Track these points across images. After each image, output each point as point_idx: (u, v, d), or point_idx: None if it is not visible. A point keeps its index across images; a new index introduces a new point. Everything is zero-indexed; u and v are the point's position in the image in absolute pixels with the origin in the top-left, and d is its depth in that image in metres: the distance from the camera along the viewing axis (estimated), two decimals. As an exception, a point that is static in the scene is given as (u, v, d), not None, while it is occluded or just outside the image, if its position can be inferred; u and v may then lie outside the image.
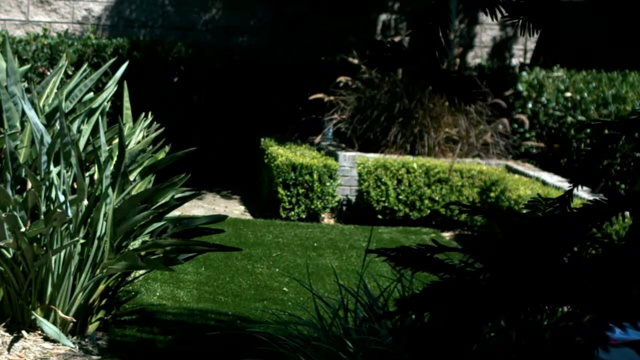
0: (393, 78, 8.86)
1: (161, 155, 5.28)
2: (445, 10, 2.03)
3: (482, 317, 1.91)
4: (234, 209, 8.47)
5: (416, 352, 1.91)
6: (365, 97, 8.82)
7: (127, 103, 5.37)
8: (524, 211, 2.32)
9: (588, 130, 8.10)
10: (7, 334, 4.62)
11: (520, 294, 1.88)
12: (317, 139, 8.84)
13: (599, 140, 2.17)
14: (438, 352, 1.90)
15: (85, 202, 4.63)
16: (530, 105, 8.89)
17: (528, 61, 10.82)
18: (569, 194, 2.20)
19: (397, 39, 9.15)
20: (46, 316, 4.64)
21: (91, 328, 4.79)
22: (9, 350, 4.44)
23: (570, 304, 1.91)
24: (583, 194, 6.89)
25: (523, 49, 10.93)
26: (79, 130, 5.02)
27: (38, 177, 4.50)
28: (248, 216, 8.19)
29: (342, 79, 9.04)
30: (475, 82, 1.99)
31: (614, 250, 1.96)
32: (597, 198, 2.06)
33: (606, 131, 2.18)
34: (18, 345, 4.50)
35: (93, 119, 5.09)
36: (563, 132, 8.39)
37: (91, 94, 5.27)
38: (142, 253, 4.62)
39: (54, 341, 4.59)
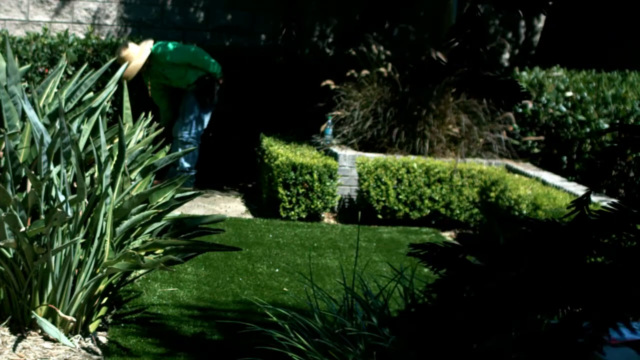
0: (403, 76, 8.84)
1: (161, 154, 5.28)
2: (478, 17, 2.07)
3: (489, 326, 1.91)
4: (234, 208, 8.47)
5: (420, 351, 1.91)
6: (370, 94, 8.80)
7: (127, 103, 5.38)
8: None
9: (588, 130, 8.09)
10: (7, 333, 4.62)
11: (535, 299, 1.88)
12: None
13: (617, 143, 2.15)
14: (442, 351, 1.90)
15: (85, 202, 4.63)
16: (530, 105, 8.89)
17: (528, 61, 10.81)
18: (586, 197, 2.17)
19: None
20: (46, 316, 4.64)
21: (91, 328, 4.79)
22: (13, 349, 4.44)
23: (576, 305, 1.90)
24: (581, 193, 6.89)
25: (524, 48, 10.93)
26: (79, 130, 5.02)
27: (38, 177, 4.50)
28: (248, 216, 8.19)
29: (364, 72, 9.00)
30: (517, 83, 2.06)
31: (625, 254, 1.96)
32: (617, 202, 2.05)
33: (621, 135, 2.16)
34: (18, 345, 4.50)
35: (93, 119, 5.09)
36: (564, 132, 8.39)
37: (91, 94, 5.27)
38: (142, 253, 4.62)
39: (54, 341, 4.59)
